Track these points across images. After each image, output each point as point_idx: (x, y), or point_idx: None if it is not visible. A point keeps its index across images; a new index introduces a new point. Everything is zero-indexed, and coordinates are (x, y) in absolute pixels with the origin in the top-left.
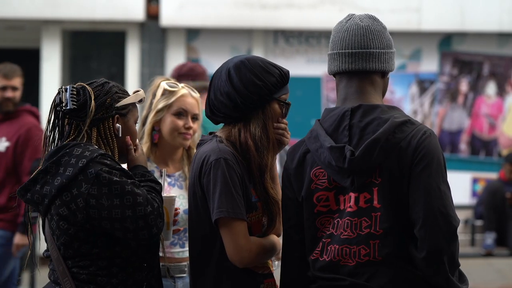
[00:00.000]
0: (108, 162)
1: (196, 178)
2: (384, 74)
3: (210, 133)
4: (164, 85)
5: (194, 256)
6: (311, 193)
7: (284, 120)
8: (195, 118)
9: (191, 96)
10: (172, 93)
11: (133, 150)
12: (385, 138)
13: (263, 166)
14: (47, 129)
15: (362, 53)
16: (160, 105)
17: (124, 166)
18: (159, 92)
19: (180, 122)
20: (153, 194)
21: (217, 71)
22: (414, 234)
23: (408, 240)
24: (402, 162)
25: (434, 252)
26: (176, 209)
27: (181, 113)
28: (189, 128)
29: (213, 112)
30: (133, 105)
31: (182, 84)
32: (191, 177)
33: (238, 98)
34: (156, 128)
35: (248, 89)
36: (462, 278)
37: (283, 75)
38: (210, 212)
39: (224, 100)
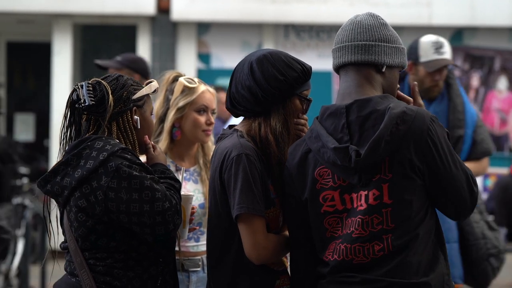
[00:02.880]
0: (129, 156)
1: (217, 173)
2: (378, 68)
3: (230, 127)
4: (183, 81)
5: (212, 251)
6: (316, 193)
7: (304, 116)
8: (213, 112)
9: (209, 92)
10: (192, 89)
11: (152, 148)
12: (388, 132)
13: (283, 161)
14: (63, 125)
15: (349, 46)
16: (182, 103)
17: (143, 159)
18: (177, 89)
19: (203, 119)
20: (172, 191)
21: (239, 64)
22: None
23: (424, 225)
24: (410, 154)
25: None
26: (193, 208)
27: (203, 110)
28: (211, 124)
29: (233, 105)
30: (147, 96)
31: (197, 79)
32: (211, 172)
33: (260, 92)
34: (176, 125)
35: (270, 84)
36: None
37: (306, 71)
38: (229, 207)
39: (245, 93)
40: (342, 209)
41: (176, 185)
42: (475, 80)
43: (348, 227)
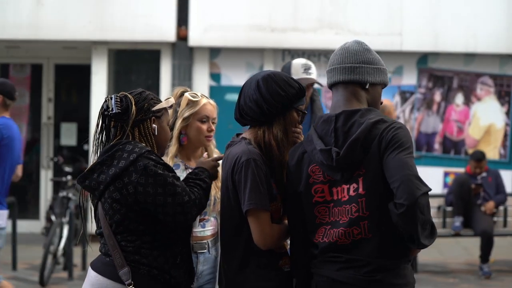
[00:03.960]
0: (154, 157)
1: (229, 174)
2: (362, 85)
3: (237, 135)
4: (188, 96)
5: (225, 239)
6: (309, 186)
7: (300, 126)
8: (213, 122)
9: (210, 104)
10: (195, 102)
11: (203, 157)
12: (363, 137)
13: (283, 162)
14: (96, 132)
15: (338, 68)
16: (187, 114)
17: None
18: (183, 102)
19: (204, 127)
20: (195, 189)
21: (246, 82)
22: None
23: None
24: (378, 153)
25: (406, 210)
26: None
27: (204, 119)
28: (212, 130)
29: (241, 115)
30: (165, 110)
31: (200, 94)
32: (223, 173)
33: (265, 105)
34: (183, 132)
35: (273, 98)
36: (433, 232)
37: (302, 89)
38: (240, 203)
39: (253, 105)
40: (330, 200)
41: (203, 185)
42: (437, 96)
43: (336, 215)
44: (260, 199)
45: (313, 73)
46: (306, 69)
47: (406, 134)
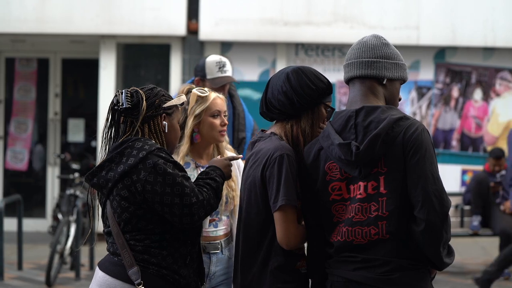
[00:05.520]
0: (163, 155)
1: (259, 170)
2: (380, 80)
3: (262, 130)
4: (196, 92)
5: (250, 236)
6: (326, 184)
7: (327, 122)
8: (225, 115)
9: (219, 98)
10: (204, 98)
11: (219, 156)
12: (385, 133)
13: None
14: (105, 126)
15: (355, 62)
16: (198, 110)
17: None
18: (192, 99)
19: (217, 121)
20: (205, 189)
21: (275, 75)
22: (414, 213)
23: (409, 218)
24: (401, 153)
25: (430, 228)
26: None
27: (217, 114)
28: (225, 124)
29: (268, 108)
30: (176, 107)
31: (207, 89)
32: (252, 169)
33: (295, 97)
34: (195, 130)
35: (304, 91)
36: (450, 250)
37: (330, 85)
38: (268, 199)
39: (282, 97)
40: (347, 197)
41: (213, 185)
42: (455, 92)
43: (349, 212)
44: (293, 195)
45: (229, 70)
46: (221, 67)
47: (428, 138)
